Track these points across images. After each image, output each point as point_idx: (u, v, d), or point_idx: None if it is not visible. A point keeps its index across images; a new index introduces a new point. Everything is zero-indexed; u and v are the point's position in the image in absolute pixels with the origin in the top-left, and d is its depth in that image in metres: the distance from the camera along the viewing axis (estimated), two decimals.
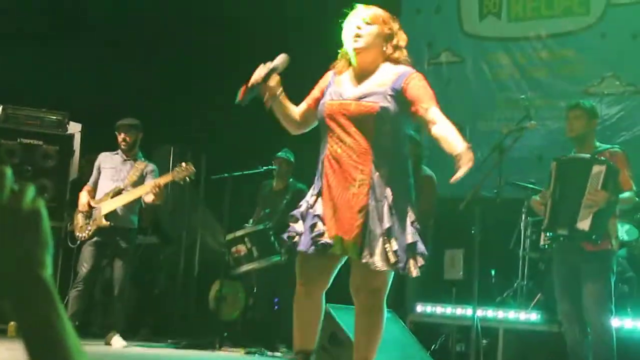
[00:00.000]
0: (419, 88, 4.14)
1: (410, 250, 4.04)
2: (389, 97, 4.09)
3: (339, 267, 4.24)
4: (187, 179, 7.50)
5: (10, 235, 1.20)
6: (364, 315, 4.19)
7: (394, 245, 3.97)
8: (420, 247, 4.09)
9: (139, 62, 10.28)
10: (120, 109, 8.49)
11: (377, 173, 4.05)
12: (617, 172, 5.56)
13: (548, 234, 5.79)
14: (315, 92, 4.39)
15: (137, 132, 7.83)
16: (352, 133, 4.09)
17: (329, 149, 4.15)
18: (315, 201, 4.17)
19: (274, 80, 4.21)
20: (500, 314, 7.19)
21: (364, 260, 3.98)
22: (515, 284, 7.76)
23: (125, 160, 7.77)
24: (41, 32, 9.96)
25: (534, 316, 7.06)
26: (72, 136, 8.92)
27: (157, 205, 7.63)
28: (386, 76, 4.18)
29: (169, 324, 9.74)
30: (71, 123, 8.98)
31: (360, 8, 4.29)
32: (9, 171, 1.21)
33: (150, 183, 7.43)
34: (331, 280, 4.26)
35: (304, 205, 4.23)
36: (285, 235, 4.27)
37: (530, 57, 9.46)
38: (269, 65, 4.19)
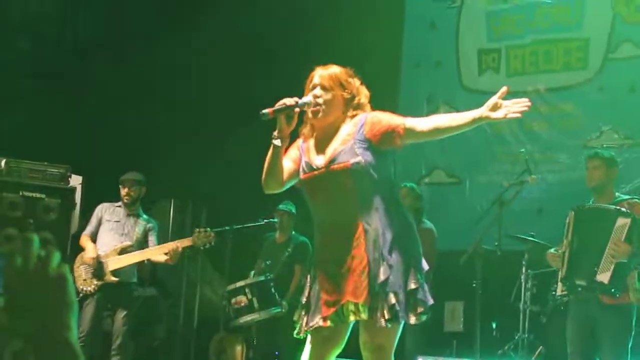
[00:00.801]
0: (379, 122, 4.11)
1: (412, 297, 3.99)
2: (356, 150, 4.06)
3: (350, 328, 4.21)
4: (208, 245, 7.50)
5: (38, 299, 1.23)
6: None
7: (392, 299, 3.92)
8: (421, 293, 4.02)
9: (140, 115, 10.34)
10: (120, 161, 8.54)
11: (369, 228, 4.01)
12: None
13: (565, 284, 5.69)
14: (295, 154, 4.33)
15: (141, 187, 7.86)
16: (336, 202, 4.09)
17: (318, 221, 4.19)
18: (311, 278, 4.23)
19: (294, 120, 4.17)
20: None
21: (375, 319, 3.96)
22: (517, 337, 7.73)
23: (128, 215, 7.77)
24: (43, 86, 10.04)
25: None
26: (74, 189, 8.93)
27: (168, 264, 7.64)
28: (347, 132, 4.15)
29: None
30: (73, 176, 8.99)
31: (318, 72, 4.26)
32: (35, 238, 1.24)
33: (168, 245, 7.44)
34: (345, 341, 4.25)
35: (307, 285, 4.26)
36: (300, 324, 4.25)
37: (529, 111, 9.49)
38: (298, 99, 4.17)
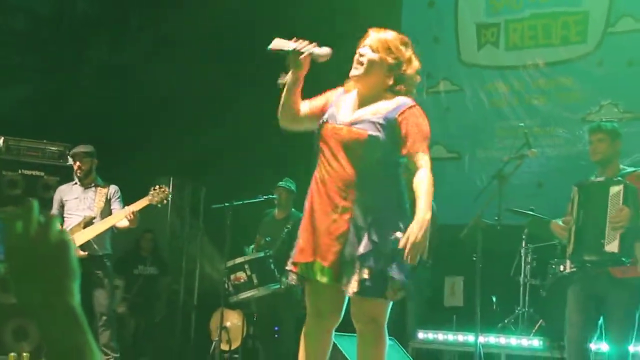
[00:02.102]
0: (412, 126, 4.03)
1: (395, 274, 3.98)
2: (379, 126, 4.02)
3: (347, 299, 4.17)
4: (164, 201, 7.47)
5: (40, 266, 1.23)
6: (364, 344, 4.15)
7: (365, 273, 3.91)
8: (400, 274, 3.98)
9: (139, 93, 10.34)
10: (120, 140, 8.54)
11: (362, 200, 3.99)
12: (637, 191, 5.48)
13: (574, 261, 5.66)
14: (320, 102, 4.29)
15: (91, 159, 7.76)
16: (339, 158, 4.04)
17: (318, 172, 4.14)
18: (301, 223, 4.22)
19: (303, 66, 4.09)
20: (502, 340, 7.19)
21: (342, 288, 3.97)
22: (517, 311, 7.76)
23: (85, 188, 7.71)
24: (42, 65, 10.02)
25: (535, 342, 7.06)
26: (72, 167, 8.94)
27: (132, 228, 7.59)
28: (382, 106, 4.09)
29: (168, 353, 9.72)
30: None
31: (371, 33, 4.18)
32: (36, 204, 1.24)
33: (125, 210, 7.38)
34: (342, 314, 4.22)
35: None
36: (286, 271, 4.25)
37: (528, 85, 9.52)
38: (315, 49, 4.07)
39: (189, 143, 10.08)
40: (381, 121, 4.02)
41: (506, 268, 8.06)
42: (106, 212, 7.57)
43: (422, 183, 3.96)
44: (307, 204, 4.17)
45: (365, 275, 3.91)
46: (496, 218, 6.94)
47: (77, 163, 7.72)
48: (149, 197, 7.42)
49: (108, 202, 7.63)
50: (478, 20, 9.91)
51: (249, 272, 7.99)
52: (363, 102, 4.15)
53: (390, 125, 4.02)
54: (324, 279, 4.02)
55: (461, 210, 8.10)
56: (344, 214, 3.98)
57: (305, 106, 4.24)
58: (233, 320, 9.04)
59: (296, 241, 4.20)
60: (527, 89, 9.53)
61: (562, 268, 5.88)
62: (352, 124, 4.06)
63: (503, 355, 7.08)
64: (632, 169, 5.86)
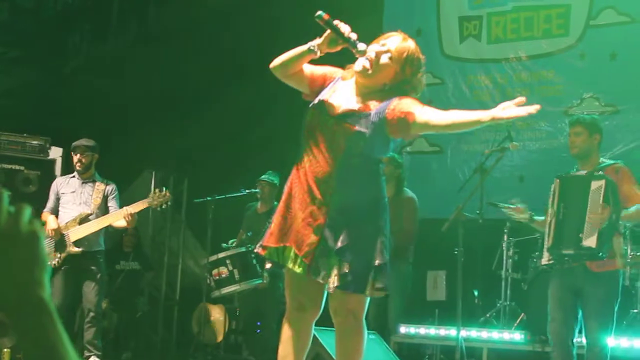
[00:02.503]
0: (400, 105, 3.93)
1: (372, 271, 3.96)
2: (369, 123, 3.96)
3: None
4: (164, 205, 7.44)
5: (10, 257, 1.21)
6: (343, 337, 4.15)
7: (345, 268, 3.89)
8: (384, 271, 3.98)
9: (121, 86, 10.29)
10: (102, 133, 8.48)
11: (341, 194, 3.96)
12: (616, 187, 5.50)
13: (552, 254, 5.67)
14: (319, 73, 4.22)
15: (93, 153, 7.73)
16: (322, 150, 4.00)
17: (301, 158, 4.10)
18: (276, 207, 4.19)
19: (336, 47, 4.00)
20: (484, 334, 7.20)
21: (321, 281, 3.95)
22: (499, 304, 7.78)
23: (83, 182, 7.68)
24: (23, 57, 9.95)
25: (517, 336, 7.07)
26: (53, 161, 8.90)
27: (129, 228, 7.57)
28: (372, 102, 4.01)
29: (151, 348, 9.70)
30: (53, 148, 8.95)
31: (395, 37, 4.10)
32: (5, 194, 1.22)
33: (123, 210, 7.36)
34: (322, 306, 4.20)
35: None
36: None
37: (511, 78, 9.53)
38: (354, 37, 3.97)
39: (171, 136, 10.04)
40: (371, 117, 3.97)
41: (488, 262, 8.07)
42: (102, 209, 7.55)
43: (454, 113, 3.94)
44: (286, 189, 4.15)
45: (346, 270, 3.89)
46: (478, 212, 6.94)
47: (78, 156, 7.67)
48: (149, 199, 7.40)
49: (105, 199, 7.60)
50: (460, 13, 9.90)
51: (230, 267, 7.98)
52: (356, 95, 4.08)
53: (380, 121, 3.96)
54: (297, 269, 4.00)
55: (444, 204, 8.10)
56: (322, 207, 3.96)
57: (307, 69, 4.17)
58: (215, 315, 9.03)
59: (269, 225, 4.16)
60: (510, 82, 9.54)
61: (541, 261, 5.87)
62: (341, 116, 4.01)
63: (485, 349, 7.09)
64: (611, 161, 5.87)
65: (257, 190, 8.51)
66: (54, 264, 7.40)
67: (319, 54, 4.03)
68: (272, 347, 7.81)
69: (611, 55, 8.91)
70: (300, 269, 3.99)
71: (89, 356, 7.41)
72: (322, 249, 3.94)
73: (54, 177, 8.83)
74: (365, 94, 4.06)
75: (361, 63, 4.01)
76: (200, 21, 10.64)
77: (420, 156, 9.86)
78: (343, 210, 3.96)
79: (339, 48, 4.01)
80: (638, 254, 7.08)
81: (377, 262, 3.95)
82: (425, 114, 3.89)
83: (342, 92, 4.12)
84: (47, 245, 7.39)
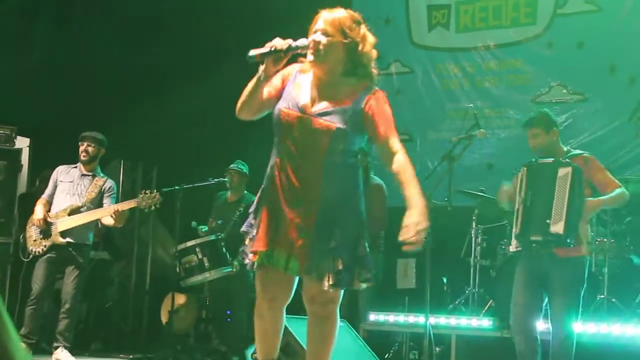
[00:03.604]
0: (380, 114, 3.95)
1: (358, 264, 3.98)
2: (347, 117, 3.93)
3: (297, 279, 4.14)
4: (153, 206, 7.42)
5: None
6: (318, 324, 4.15)
7: (339, 264, 3.90)
8: (368, 261, 3.99)
9: (88, 75, 10.21)
10: (69, 123, 8.42)
11: (326, 191, 3.94)
12: (582, 173, 5.55)
13: (520, 241, 5.70)
14: (277, 82, 4.13)
15: (100, 146, 7.71)
16: (304, 148, 3.96)
17: (279, 159, 4.02)
18: (256, 209, 4.11)
19: (281, 63, 4.00)
20: (453, 321, 7.23)
21: (315, 280, 3.94)
22: (467, 291, 7.82)
23: (83, 174, 7.65)
24: None
25: (485, 322, 7.12)
26: (19, 150, 8.83)
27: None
28: (345, 94, 4.00)
29: (120, 338, 9.66)
30: (19, 137, 8.88)
31: (322, 15, 4.05)
32: None
33: (111, 207, 7.32)
34: (292, 294, 4.17)
35: (250, 217, 4.15)
36: (241, 252, 4.18)
37: (479, 67, 9.57)
38: (291, 42, 3.96)
39: (140, 125, 9.98)
40: (348, 112, 3.94)
41: (457, 249, 8.10)
42: (96, 204, 7.51)
43: (407, 168, 3.91)
44: (262, 193, 4.09)
45: (340, 267, 3.90)
46: (446, 199, 6.96)
47: (85, 145, 7.63)
48: (138, 199, 7.38)
49: (100, 194, 7.56)
50: (429, 2, 9.93)
51: (200, 255, 7.96)
52: (322, 87, 4.05)
53: (356, 115, 3.95)
54: (289, 270, 3.99)
55: None
56: (310, 206, 3.94)
57: (266, 90, 4.08)
58: (184, 304, 8.99)
59: (249, 230, 4.09)
60: (478, 70, 9.58)
61: (509, 248, 5.91)
62: (319, 114, 3.97)
63: (453, 336, 7.13)
64: (578, 151, 5.92)
65: (225, 179, 8.49)
66: (39, 251, 7.37)
67: (268, 77, 4.00)
68: (243, 336, 7.85)
69: (578, 44, 8.97)
70: (293, 269, 3.98)
71: (58, 346, 7.38)
72: (314, 248, 3.93)
73: (20, 167, 8.77)
74: (329, 86, 4.04)
75: (312, 55, 3.99)
76: (167, 7, 10.57)
77: None
78: (330, 207, 3.94)
79: (285, 60, 3.99)
80: (604, 240, 7.15)
81: (361, 254, 3.96)
82: (391, 144, 3.94)
83: (305, 89, 4.08)
84: (37, 232, 7.38)
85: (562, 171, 5.53)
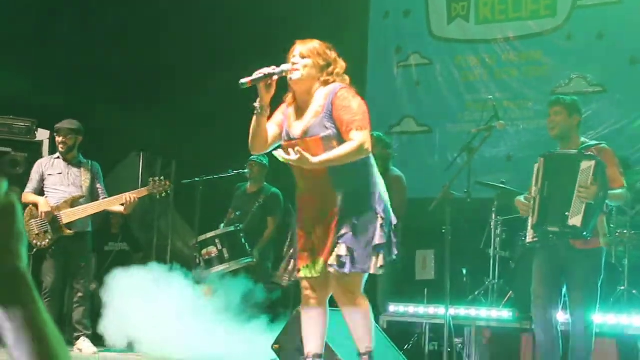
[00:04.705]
0: (341, 109, 4.46)
1: (374, 251, 4.45)
2: (326, 123, 4.46)
3: None
4: (164, 193, 7.47)
5: None
6: (350, 313, 4.60)
7: (341, 250, 4.39)
8: (385, 249, 4.50)
9: (107, 69, 10.25)
10: (88, 116, 8.45)
11: (340, 194, 4.45)
12: (605, 168, 5.51)
13: (537, 231, 5.68)
14: (279, 118, 4.70)
15: (76, 135, 7.70)
16: (310, 169, 4.41)
17: (298, 185, 4.64)
18: (293, 236, 4.80)
19: (272, 88, 4.48)
20: (472, 312, 7.23)
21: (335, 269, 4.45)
22: (487, 283, 7.81)
23: (69, 164, 7.66)
24: (10, 40, 9.90)
25: (505, 314, 7.10)
26: (40, 143, 8.87)
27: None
28: (318, 103, 4.54)
29: None
30: (40, 130, 8.92)
31: (297, 44, 4.64)
32: None
33: (122, 196, 7.37)
34: (330, 289, 4.66)
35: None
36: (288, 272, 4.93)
37: (499, 59, 9.54)
38: (275, 68, 4.48)
39: (159, 117, 10.02)
40: (325, 117, 4.47)
41: (476, 241, 8.09)
42: (90, 191, 7.54)
43: (339, 148, 4.40)
44: (296, 218, 4.71)
45: (341, 252, 4.39)
46: (465, 191, 6.96)
47: (61, 138, 7.65)
48: (149, 187, 7.44)
49: (93, 180, 7.60)
50: None
51: (219, 247, 7.98)
52: (303, 107, 4.60)
53: (330, 118, 4.48)
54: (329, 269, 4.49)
55: (432, 184, 8.12)
56: (332, 211, 4.46)
57: (272, 127, 4.65)
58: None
59: (290, 253, 4.85)
60: (498, 62, 9.56)
61: (526, 238, 5.89)
62: (304, 135, 4.51)
63: (473, 327, 7.12)
64: (594, 142, 5.89)
65: (245, 170, 8.51)
66: (44, 245, 7.39)
67: (265, 108, 4.52)
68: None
69: (598, 35, 8.93)
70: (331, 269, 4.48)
71: (79, 336, 7.43)
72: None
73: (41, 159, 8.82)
74: (309, 102, 4.59)
75: (293, 76, 4.55)
76: (187, 4, 10.60)
77: (409, 136, 9.88)
78: (345, 204, 4.46)
79: (274, 85, 4.49)
80: (625, 231, 7.12)
81: (376, 242, 4.43)
82: (353, 135, 4.43)
83: (293, 116, 4.64)
84: (39, 226, 7.39)
85: (585, 164, 5.48)
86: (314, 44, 4.63)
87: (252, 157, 8.51)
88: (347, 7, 9.95)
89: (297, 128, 4.58)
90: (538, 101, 9.05)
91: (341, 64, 4.66)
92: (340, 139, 4.44)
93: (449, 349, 6.48)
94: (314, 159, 4.28)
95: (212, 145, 10.00)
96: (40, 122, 8.90)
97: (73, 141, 7.66)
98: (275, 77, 4.46)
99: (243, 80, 4.39)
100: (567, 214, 5.47)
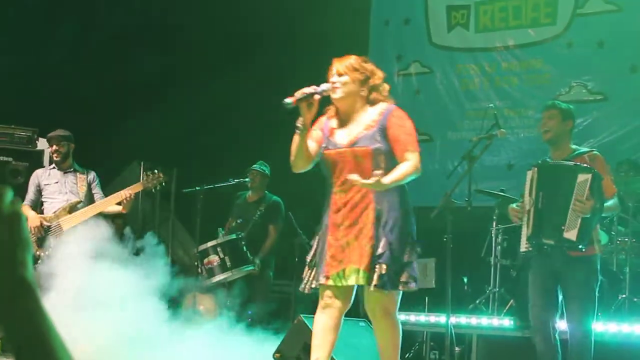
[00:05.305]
0: (398, 128, 4.62)
1: (405, 269, 4.61)
2: (377, 137, 4.59)
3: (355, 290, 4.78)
4: (158, 186, 7.46)
5: None
6: (383, 331, 4.79)
7: (383, 269, 4.51)
8: (413, 268, 4.67)
9: (107, 77, 10.26)
10: (89, 125, 8.47)
11: (378, 206, 4.58)
12: (602, 180, 5.50)
13: (532, 243, 5.67)
14: (317, 134, 4.79)
15: (68, 143, 7.70)
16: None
17: (334, 191, 4.71)
18: (319, 240, 4.78)
19: (314, 107, 4.61)
20: (474, 320, 7.22)
21: (371, 287, 4.56)
22: (488, 291, 7.81)
23: (65, 172, 7.66)
24: (9, 47, 9.91)
25: (506, 322, 7.10)
26: (41, 152, 8.87)
27: (124, 214, 7.59)
28: (370, 118, 4.67)
29: None
30: (40, 139, 8.93)
31: (335, 63, 4.74)
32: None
33: (118, 195, 7.37)
34: (351, 302, 4.81)
35: (313, 247, 4.84)
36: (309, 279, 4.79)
37: (499, 67, 9.55)
38: (316, 87, 4.61)
39: (160, 126, 10.03)
40: (377, 132, 4.61)
41: (477, 249, 8.09)
42: (88, 197, 7.54)
43: (401, 165, 4.58)
44: (325, 224, 4.74)
45: (383, 271, 4.52)
46: (466, 199, 6.95)
47: (54, 147, 7.66)
48: (143, 182, 7.43)
49: (89, 187, 7.60)
50: (448, 2, 9.93)
51: (221, 255, 7.98)
52: (349, 120, 4.73)
53: (384, 132, 4.61)
54: (361, 281, 4.60)
55: (433, 192, 8.11)
56: (368, 222, 4.59)
57: (312, 144, 4.75)
58: (205, 304, 9.01)
59: (318, 260, 4.72)
60: (498, 70, 9.57)
61: (522, 247, 5.88)
62: (353, 144, 4.64)
63: (474, 336, 7.12)
64: (586, 149, 5.89)
65: (246, 179, 8.52)
66: (47, 255, 7.38)
67: (307, 126, 4.63)
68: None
69: (598, 43, 8.95)
70: (363, 280, 4.59)
71: None
72: (374, 258, 4.56)
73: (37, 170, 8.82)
74: (353, 117, 4.72)
75: (334, 93, 4.68)
76: (186, 11, 10.61)
77: None
78: (382, 219, 4.58)
79: (317, 105, 4.62)
80: (626, 239, 7.12)
81: (406, 260, 4.61)
82: (407, 155, 4.60)
83: (338, 129, 4.76)
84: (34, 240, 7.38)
85: (582, 177, 5.43)
86: (350, 61, 4.74)
87: (254, 166, 8.53)
88: (348, 15, 9.97)
89: (342, 137, 4.71)
90: (538, 109, 9.01)
91: (379, 75, 4.78)
92: (389, 154, 4.60)
93: (450, 358, 6.46)
94: (386, 180, 4.43)
95: (213, 154, 10.01)
96: (41, 131, 8.90)
97: (66, 148, 7.67)
98: (317, 97, 4.60)
99: (287, 100, 4.54)
100: (562, 227, 5.44)
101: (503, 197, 7.84)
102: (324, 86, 4.66)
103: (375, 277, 4.53)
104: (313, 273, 4.75)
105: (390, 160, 4.61)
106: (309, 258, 4.84)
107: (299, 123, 4.60)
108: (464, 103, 9.66)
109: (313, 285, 4.73)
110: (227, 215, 8.76)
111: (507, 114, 9.21)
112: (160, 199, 9.91)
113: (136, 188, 7.42)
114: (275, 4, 9.94)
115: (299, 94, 4.56)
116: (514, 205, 5.87)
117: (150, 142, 9.97)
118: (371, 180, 4.40)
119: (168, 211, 10.19)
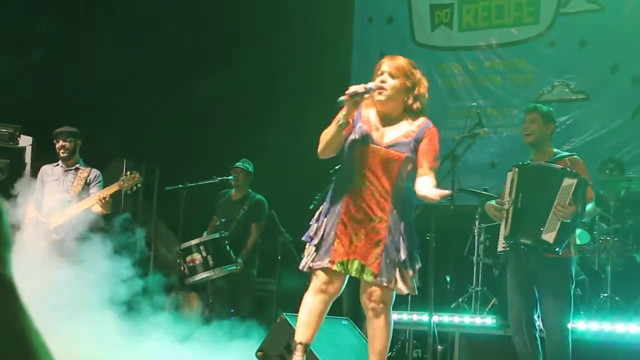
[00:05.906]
0: (431, 147, 4.71)
1: (417, 274, 4.80)
2: (412, 147, 4.68)
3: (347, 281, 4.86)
4: (135, 187, 7.43)
5: None
6: (378, 323, 4.86)
7: (410, 272, 4.70)
8: (417, 272, 4.82)
9: (90, 75, 10.22)
10: (72, 122, 8.42)
11: (395, 211, 4.67)
12: (586, 186, 5.51)
13: (509, 242, 5.70)
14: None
15: (75, 139, 7.69)
16: (378, 175, 4.67)
17: (354, 183, 4.73)
18: (326, 224, 4.77)
19: (359, 104, 4.66)
20: (456, 319, 7.24)
21: (385, 284, 4.68)
22: (470, 290, 7.83)
23: (66, 170, 7.64)
24: None
25: (489, 321, 7.12)
26: (23, 149, 8.83)
27: (106, 214, 7.56)
28: (409, 128, 4.72)
29: None
30: (22, 136, 8.88)
31: (386, 61, 4.76)
32: None
33: (96, 195, 7.33)
34: (340, 293, 4.89)
35: (317, 229, 4.80)
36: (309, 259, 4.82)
37: (482, 66, 9.57)
38: (366, 85, 4.63)
39: (142, 124, 10.00)
40: (413, 143, 4.68)
41: (460, 248, 8.11)
42: (84, 196, 7.50)
43: (432, 183, 4.67)
44: (338, 213, 4.75)
45: (411, 274, 4.71)
46: (449, 198, 6.95)
47: (60, 142, 7.63)
48: (119, 182, 7.38)
49: (87, 185, 7.55)
50: (432, 1, 9.94)
51: (204, 254, 7.96)
52: (387, 121, 4.77)
53: (417, 145, 4.69)
54: (366, 277, 4.70)
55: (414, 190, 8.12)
56: (382, 222, 4.66)
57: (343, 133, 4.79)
58: (189, 303, 9.00)
59: (323, 242, 4.74)
60: (481, 69, 9.59)
61: (499, 247, 5.90)
62: (389, 146, 4.69)
63: (457, 334, 7.14)
64: (566, 153, 5.91)
65: (229, 177, 8.50)
66: None
67: (346, 123, 4.66)
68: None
69: (581, 43, 8.98)
70: (369, 276, 4.69)
71: None
72: (386, 259, 4.66)
73: (23, 165, 8.77)
74: (393, 121, 4.75)
75: (376, 96, 4.70)
76: (169, 9, 10.58)
77: None
78: (398, 224, 4.68)
79: (362, 101, 4.68)
80: (608, 238, 7.16)
81: (417, 267, 4.79)
82: (426, 172, 4.68)
83: (373, 123, 4.79)
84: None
85: (567, 181, 5.44)
86: (402, 63, 4.76)
87: (237, 163, 8.51)
88: (331, 14, 9.97)
89: (381, 136, 4.74)
90: (521, 108, 9.04)
91: (424, 84, 4.81)
92: (413, 165, 4.69)
93: (432, 356, 6.47)
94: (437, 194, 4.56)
95: (196, 152, 9.98)
96: (23, 128, 8.86)
97: (72, 144, 7.65)
98: (366, 96, 4.65)
99: (341, 98, 4.57)
100: (541, 229, 5.46)
101: (486, 195, 7.85)
102: (371, 84, 4.69)
103: (403, 282, 4.69)
104: (315, 254, 4.77)
105: (411, 171, 4.72)
106: (312, 235, 4.81)
107: (341, 117, 4.62)
108: (448, 102, 9.67)
109: (315, 266, 4.74)
110: (211, 213, 8.74)
111: (490, 113, 9.23)
112: (143, 197, 9.89)
113: (112, 189, 7.37)
114: (258, 2, 9.94)
115: (351, 91, 4.59)
116: (492, 202, 5.90)
117: (133, 140, 9.94)
118: (444, 192, 4.60)
119: (151, 209, 10.16)
